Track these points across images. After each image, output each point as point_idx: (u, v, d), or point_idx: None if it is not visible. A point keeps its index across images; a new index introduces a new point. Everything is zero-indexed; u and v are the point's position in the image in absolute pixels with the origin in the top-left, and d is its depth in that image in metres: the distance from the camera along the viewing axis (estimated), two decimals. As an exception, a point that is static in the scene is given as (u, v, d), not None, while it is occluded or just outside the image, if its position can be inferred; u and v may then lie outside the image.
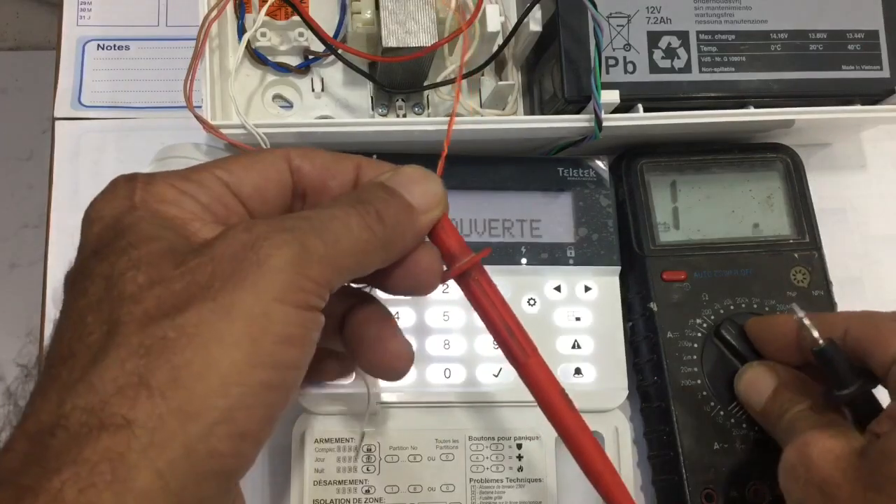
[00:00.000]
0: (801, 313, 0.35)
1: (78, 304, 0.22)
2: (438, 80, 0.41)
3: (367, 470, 0.38)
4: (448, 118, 0.38)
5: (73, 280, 0.23)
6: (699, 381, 0.39)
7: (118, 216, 0.23)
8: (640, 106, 0.40)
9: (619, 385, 0.40)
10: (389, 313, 0.28)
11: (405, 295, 0.27)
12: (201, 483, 0.19)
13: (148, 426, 0.18)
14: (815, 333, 0.34)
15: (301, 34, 0.42)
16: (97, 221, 0.23)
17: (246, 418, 0.20)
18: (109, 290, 0.21)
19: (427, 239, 0.27)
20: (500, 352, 0.28)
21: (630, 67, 0.40)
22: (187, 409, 0.19)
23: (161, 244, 0.22)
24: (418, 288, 0.27)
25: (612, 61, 0.40)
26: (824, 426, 0.33)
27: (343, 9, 0.42)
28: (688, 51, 0.40)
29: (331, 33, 0.42)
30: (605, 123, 0.38)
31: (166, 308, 0.20)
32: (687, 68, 0.40)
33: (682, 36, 0.40)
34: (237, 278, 0.21)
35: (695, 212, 0.42)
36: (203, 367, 0.19)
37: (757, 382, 0.37)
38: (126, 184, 0.24)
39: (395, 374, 0.28)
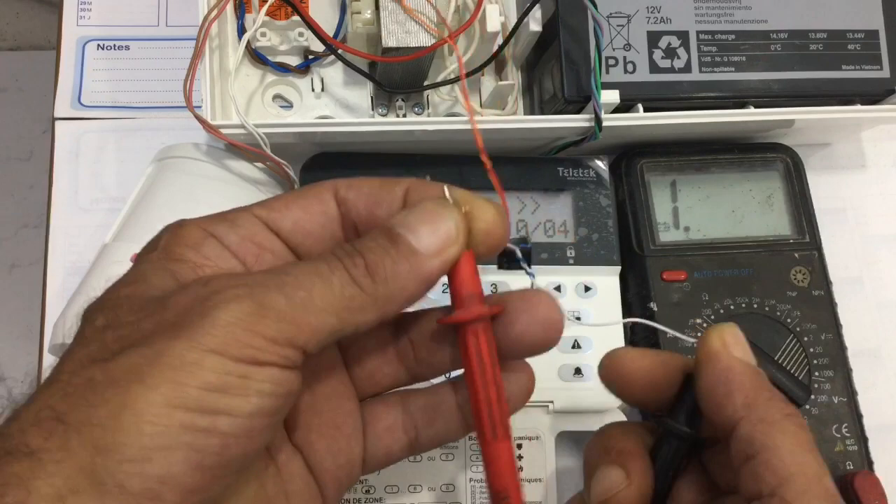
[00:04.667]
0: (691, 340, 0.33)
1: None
2: (438, 80, 0.41)
3: (367, 470, 0.38)
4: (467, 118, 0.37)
5: None
6: (699, 381, 0.39)
7: (139, 258, 0.24)
8: (640, 106, 0.40)
9: (619, 385, 0.40)
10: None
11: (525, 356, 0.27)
12: None
13: (55, 456, 0.19)
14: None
15: (301, 34, 0.42)
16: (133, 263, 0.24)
17: (164, 459, 0.20)
18: (80, 328, 0.22)
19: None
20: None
21: (630, 67, 0.40)
22: (99, 444, 0.19)
23: (141, 288, 0.23)
24: (538, 345, 0.27)
25: (612, 61, 0.40)
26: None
27: (343, 9, 0.42)
28: (688, 51, 0.40)
29: (331, 33, 0.42)
30: (605, 123, 0.38)
31: (106, 353, 0.21)
32: (687, 68, 0.40)
33: (682, 36, 0.40)
34: (177, 328, 0.21)
35: (695, 212, 0.42)
36: (119, 405, 0.20)
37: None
38: (166, 227, 0.25)
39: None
